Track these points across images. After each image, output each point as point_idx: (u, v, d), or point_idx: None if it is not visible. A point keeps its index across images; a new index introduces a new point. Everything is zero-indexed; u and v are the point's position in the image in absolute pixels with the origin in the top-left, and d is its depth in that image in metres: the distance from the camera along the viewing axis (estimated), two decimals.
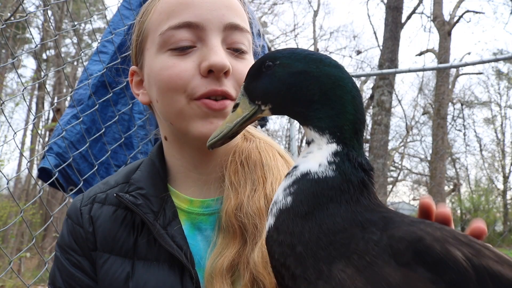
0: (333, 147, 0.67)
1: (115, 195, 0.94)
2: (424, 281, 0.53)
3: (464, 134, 18.25)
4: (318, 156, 0.67)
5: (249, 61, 0.97)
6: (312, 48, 18.58)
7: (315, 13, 18.66)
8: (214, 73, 0.88)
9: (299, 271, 0.61)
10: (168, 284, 0.87)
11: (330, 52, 18.64)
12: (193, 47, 0.91)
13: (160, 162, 1.02)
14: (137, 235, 0.93)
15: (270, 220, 0.67)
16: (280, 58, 0.70)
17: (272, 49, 3.79)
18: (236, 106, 0.76)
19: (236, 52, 0.94)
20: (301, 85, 0.68)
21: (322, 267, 0.60)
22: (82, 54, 2.75)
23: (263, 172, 0.95)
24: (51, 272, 1.00)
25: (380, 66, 7.57)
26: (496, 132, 18.86)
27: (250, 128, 1.07)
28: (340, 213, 0.63)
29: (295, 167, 0.68)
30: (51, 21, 11.86)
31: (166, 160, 1.03)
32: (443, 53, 13.33)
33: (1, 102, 1.83)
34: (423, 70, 5.15)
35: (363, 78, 15.50)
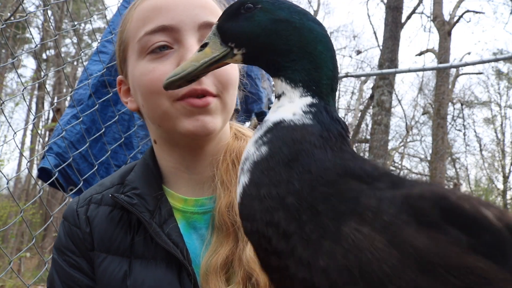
0: (308, 99, 0.62)
1: (110, 195, 0.96)
2: (459, 246, 0.46)
3: (464, 134, 18.25)
4: (291, 107, 0.62)
5: None
6: None
7: (315, 13, 18.65)
8: None
9: (294, 227, 0.51)
10: (165, 282, 0.88)
11: None
12: (170, 48, 0.93)
13: (154, 163, 1.04)
14: (133, 234, 0.95)
15: (243, 179, 0.58)
16: (262, 2, 0.66)
17: None
18: (204, 46, 0.70)
19: None
20: (281, 33, 0.65)
21: (326, 223, 0.50)
22: (82, 54, 2.75)
23: None
24: (49, 275, 1.01)
25: (380, 66, 7.57)
26: (496, 132, 18.87)
27: (240, 127, 1.09)
28: (329, 158, 0.56)
29: (265, 121, 0.63)
30: (51, 21, 11.86)
31: (158, 162, 1.05)
32: (443, 53, 13.33)
33: (1, 102, 1.83)
34: (423, 70, 5.15)
35: (363, 78, 15.49)
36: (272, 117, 0.62)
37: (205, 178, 0.99)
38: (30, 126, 12.68)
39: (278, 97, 0.65)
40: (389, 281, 0.46)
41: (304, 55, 0.65)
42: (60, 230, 1.02)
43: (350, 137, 0.64)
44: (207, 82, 0.92)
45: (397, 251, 0.46)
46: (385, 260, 0.46)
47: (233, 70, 0.98)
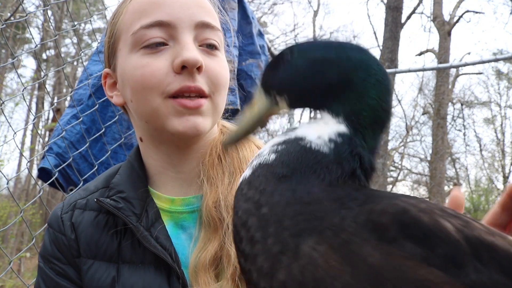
0: (341, 128, 0.61)
1: (95, 200, 0.94)
2: (412, 259, 0.47)
3: (464, 134, 18.24)
4: (321, 129, 0.61)
5: (221, 58, 0.98)
6: None
7: (315, 13, 18.65)
8: (187, 69, 0.89)
9: (259, 236, 0.55)
10: (155, 286, 0.87)
11: None
12: (166, 45, 0.91)
13: (139, 164, 1.02)
14: (120, 239, 0.93)
15: (246, 172, 0.62)
16: (299, 48, 0.67)
17: (272, 49, 3.79)
18: (253, 103, 0.72)
19: (208, 48, 0.94)
20: (318, 72, 0.64)
21: (287, 239, 0.53)
22: (82, 54, 2.75)
23: (239, 163, 0.96)
24: (35, 284, 0.99)
25: None
26: (496, 132, 18.85)
27: (226, 123, 1.08)
28: (320, 184, 0.57)
29: (294, 129, 0.64)
30: (51, 21, 11.86)
31: (144, 161, 1.03)
32: (443, 53, 13.33)
33: (1, 102, 1.83)
34: (423, 70, 5.15)
35: None
36: (300, 130, 0.63)
37: (192, 177, 0.98)
38: (30, 126, 12.67)
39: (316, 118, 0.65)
40: None
41: (345, 85, 0.62)
42: (46, 237, 1.00)
43: (370, 179, 0.63)
44: (201, 81, 0.91)
45: (351, 268, 0.48)
46: (337, 277, 0.48)
47: (224, 71, 0.96)
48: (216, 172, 0.95)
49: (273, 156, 0.60)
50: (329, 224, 0.52)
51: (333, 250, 0.50)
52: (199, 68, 0.90)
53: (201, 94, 0.91)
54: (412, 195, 0.58)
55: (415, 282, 0.46)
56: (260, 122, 0.71)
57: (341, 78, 0.62)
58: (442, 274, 0.47)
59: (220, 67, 0.96)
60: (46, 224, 1.04)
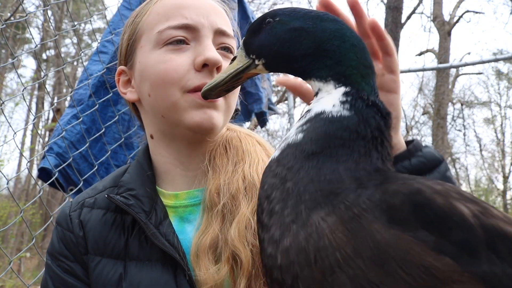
0: (342, 89, 0.65)
1: (106, 196, 0.96)
2: (422, 245, 0.47)
3: (464, 134, 18.25)
4: (330, 98, 0.65)
5: None
6: None
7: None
8: (208, 67, 0.95)
9: (279, 207, 0.58)
10: (162, 283, 0.89)
11: None
12: (187, 44, 0.98)
13: (148, 164, 1.05)
14: (127, 236, 0.95)
15: (275, 153, 0.66)
16: (280, 15, 0.72)
17: None
18: (234, 59, 0.79)
19: (224, 51, 1.02)
20: (295, 41, 0.69)
21: (301, 210, 0.55)
22: (82, 54, 2.75)
23: (243, 156, 1.00)
24: (42, 281, 1.00)
25: None
26: (496, 132, 18.86)
27: (230, 124, 1.12)
28: (346, 163, 0.59)
29: (308, 110, 0.67)
30: (51, 21, 11.86)
31: (153, 159, 1.06)
32: (443, 53, 13.33)
33: (1, 102, 1.83)
34: (423, 70, 5.15)
35: None
36: (315, 107, 0.66)
37: (199, 174, 1.00)
38: (30, 126, 12.68)
39: (316, 94, 0.70)
40: (338, 267, 0.49)
41: (321, 53, 0.68)
42: (53, 235, 1.02)
43: (391, 118, 0.66)
44: None
45: (355, 241, 0.49)
46: (339, 248, 0.50)
47: None
48: (221, 161, 0.99)
49: (300, 136, 0.63)
50: (344, 199, 0.54)
51: (342, 222, 0.51)
52: (218, 68, 0.96)
53: None
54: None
55: (421, 267, 0.46)
56: (237, 79, 0.77)
57: (316, 47, 0.68)
58: (451, 263, 0.46)
59: None
60: (46, 224, 1.05)
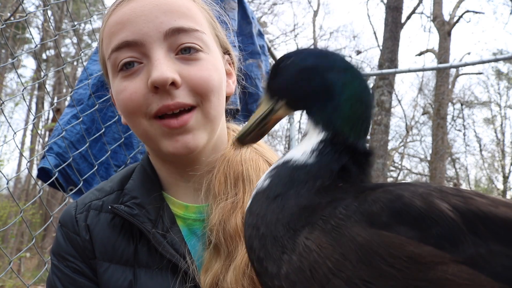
0: (322, 135, 0.67)
1: (110, 207, 0.94)
2: (402, 238, 0.49)
3: (464, 134, 18.23)
4: (305, 146, 0.68)
5: (206, 60, 0.91)
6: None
7: (315, 13, 18.64)
8: (160, 88, 0.85)
9: (262, 253, 0.61)
10: None
11: None
12: (140, 63, 0.88)
13: (152, 169, 1.02)
14: (136, 242, 0.93)
15: (248, 203, 0.68)
16: (293, 56, 0.73)
17: (272, 49, 3.79)
18: (260, 105, 0.79)
19: (185, 53, 0.89)
20: (306, 80, 0.70)
21: (284, 243, 0.58)
22: (82, 54, 2.74)
23: (244, 187, 0.93)
24: (48, 283, 0.98)
25: (380, 66, 7.58)
26: (496, 132, 18.84)
27: (234, 126, 1.09)
28: (310, 193, 0.62)
29: (284, 155, 0.70)
30: (51, 21, 11.85)
31: (155, 169, 1.03)
32: (443, 53, 13.32)
33: (1, 102, 1.83)
34: (423, 70, 5.15)
35: None
36: (288, 154, 0.69)
37: (202, 185, 0.96)
38: (30, 126, 12.67)
39: (305, 134, 0.72)
40: (332, 274, 0.51)
41: (326, 95, 0.68)
42: (58, 235, 0.99)
43: (371, 165, 0.67)
44: (181, 94, 0.87)
45: (340, 247, 0.52)
46: (328, 256, 0.52)
47: (210, 74, 0.90)
48: (221, 192, 0.93)
49: (266, 182, 0.67)
50: (321, 215, 0.57)
51: (324, 234, 0.54)
52: (174, 84, 0.85)
53: (185, 108, 0.88)
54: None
55: (403, 258, 0.48)
56: (265, 123, 0.77)
57: (323, 88, 0.69)
58: (432, 249, 0.48)
59: (205, 70, 0.90)
60: (46, 224, 1.03)
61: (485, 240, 0.48)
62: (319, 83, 0.69)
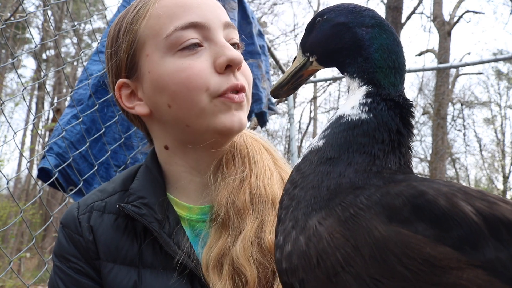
0: (364, 89, 0.68)
1: (117, 206, 0.94)
2: (420, 238, 0.47)
3: (464, 134, 18.23)
4: (352, 99, 0.68)
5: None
6: None
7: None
8: (230, 68, 0.92)
9: (283, 214, 0.61)
10: None
11: None
12: (201, 46, 0.92)
13: (158, 170, 1.01)
14: (140, 243, 0.93)
15: (298, 160, 0.68)
16: (327, 13, 0.77)
17: (272, 49, 3.79)
18: (294, 59, 0.83)
19: (234, 48, 0.97)
20: (337, 35, 0.73)
21: (298, 216, 0.57)
22: (82, 54, 2.74)
23: (250, 166, 0.97)
24: (50, 284, 0.98)
25: None
26: (496, 132, 18.84)
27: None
28: (357, 166, 0.60)
29: (334, 112, 0.70)
30: (51, 21, 11.85)
31: (164, 169, 1.02)
32: (443, 53, 13.32)
33: (1, 102, 1.83)
34: (423, 70, 5.15)
35: None
36: (339, 111, 0.69)
37: (213, 180, 0.97)
38: (30, 126, 12.66)
39: (348, 90, 0.73)
40: (341, 267, 0.50)
41: (356, 49, 0.71)
42: (60, 236, 0.99)
43: (414, 117, 0.68)
44: (241, 78, 0.94)
45: (354, 240, 0.50)
46: (339, 248, 0.50)
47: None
48: (228, 169, 0.97)
49: (322, 142, 0.66)
50: (341, 201, 0.55)
51: (339, 223, 0.52)
52: (239, 67, 0.93)
53: (243, 91, 0.94)
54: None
55: (419, 260, 0.46)
56: (299, 77, 0.82)
57: (353, 42, 0.72)
58: (449, 250, 0.46)
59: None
60: (46, 224, 1.03)
61: (507, 245, 0.47)
62: (349, 38, 0.72)
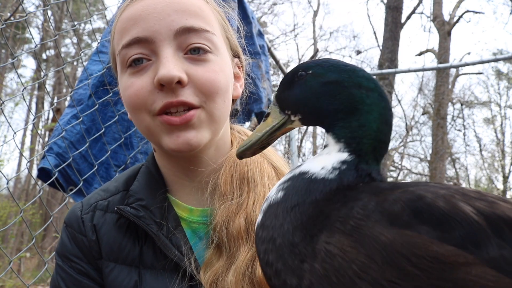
0: (343, 155, 0.64)
1: (116, 208, 0.94)
2: (424, 237, 0.48)
3: (464, 134, 18.22)
4: (324, 160, 0.65)
5: (214, 61, 0.92)
6: (312, 48, 18.55)
7: (315, 13, 18.64)
8: (165, 86, 0.86)
9: (280, 265, 0.58)
10: None
11: (330, 52, 18.61)
12: (149, 60, 0.89)
13: (157, 170, 1.02)
14: (142, 244, 0.93)
15: (259, 218, 0.65)
16: (313, 68, 0.69)
17: (272, 49, 3.79)
18: (268, 116, 0.74)
19: (194, 53, 0.89)
20: (331, 95, 0.67)
21: (302, 250, 0.56)
22: (82, 54, 2.74)
23: (248, 188, 0.94)
24: (52, 283, 0.98)
25: (380, 66, 7.58)
26: (496, 132, 18.83)
27: (244, 132, 1.08)
28: (324, 196, 0.60)
29: (298, 166, 0.67)
30: (51, 21, 11.85)
31: (160, 169, 1.03)
32: (443, 53, 13.32)
33: (1, 102, 1.83)
34: (423, 70, 5.15)
35: None
36: (304, 166, 0.66)
37: (207, 185, 0.97)
38: (30, 126, 12.67)
39: (325, 146, 0.69)
40: (358, 277, 0.50)
41: (352, 111, 0.66)
42: (63, 236, 0.99)
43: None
44: (186, 93, 0.87)
45: (364, 249, 0.50)
46: (353, 259, 0.51)
47: (217, 76, 0.91)
48: (227, 193, 0.94)
49: (281, 194, 0.63)
50: (337, 217, 0.55)
51: (345, 236, 0.52)
52: (180, 82, 0.86)
53: (189, 107, 0.88)
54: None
55: (427, 257, 0.47)
56: (274, 136, 0.73)
57: (349, 104, 0.66)
58: (455, 249, 0.47)
59: (212, 72, 0.90)
60: (46, 224, 1.03)
61: (510, 243, 0.48)
62: (345, 100, 0.66)
